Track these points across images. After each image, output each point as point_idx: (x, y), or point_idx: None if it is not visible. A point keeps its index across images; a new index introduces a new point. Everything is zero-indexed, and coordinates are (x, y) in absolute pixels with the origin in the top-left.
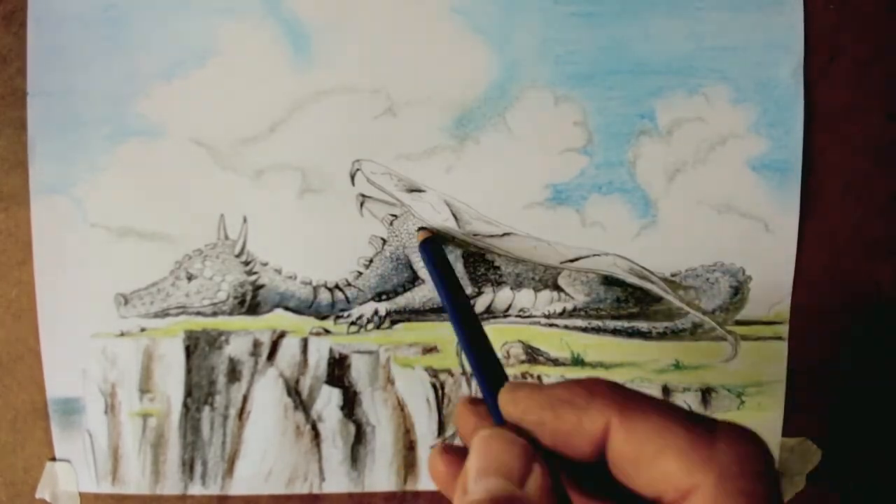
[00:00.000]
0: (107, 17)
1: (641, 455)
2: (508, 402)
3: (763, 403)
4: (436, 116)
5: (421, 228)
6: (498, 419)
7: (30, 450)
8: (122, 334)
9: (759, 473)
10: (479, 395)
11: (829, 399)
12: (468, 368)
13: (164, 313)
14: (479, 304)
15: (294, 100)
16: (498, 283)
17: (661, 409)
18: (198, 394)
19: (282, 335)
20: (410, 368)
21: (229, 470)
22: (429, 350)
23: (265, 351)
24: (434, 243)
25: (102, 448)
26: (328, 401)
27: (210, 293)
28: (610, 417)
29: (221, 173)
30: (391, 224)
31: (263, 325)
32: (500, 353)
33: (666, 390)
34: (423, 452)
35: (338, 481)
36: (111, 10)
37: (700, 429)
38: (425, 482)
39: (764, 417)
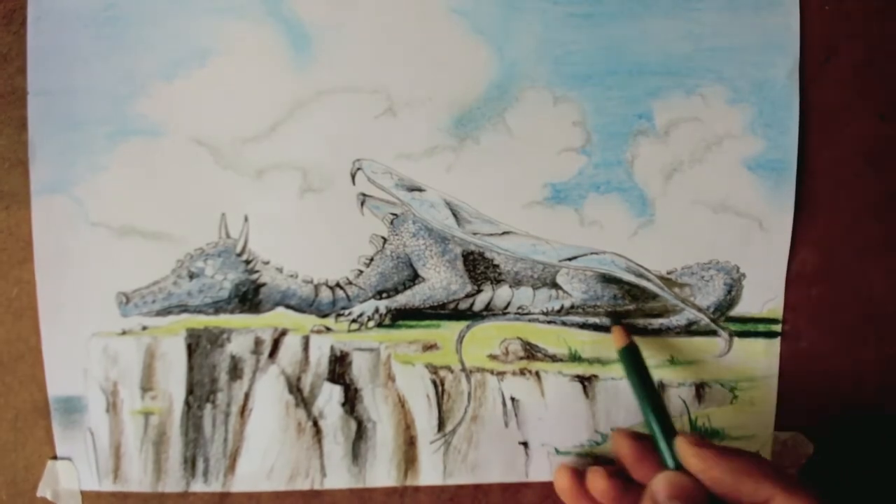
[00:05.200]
0: (107, 17)
1: None
2: (694, 457)
3: (755, 398)
4: (436, 116)
5: (616, 330)
6: (672, 461)
7: (31, 448)
8: (124, 333)
9: None
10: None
11: (821, 393)
12: (467, 364)
13: (165, 312)
14: (479, 302)
15: (294, 99)
16: (497, 281)
17: (809, 493)
18: (199, 391)
19: (283, 333)
20: (411, 365)
21: (231, 467)
22: (429, 347)
23: (267, 349)
24: (632, 350)
25: (104, 446)
26: (329, 398)
27: (212, 292)
28: (775, 494)
29: (222, 172)
30: (392, 223)
31: (265, 323)
32: (498, 350)
33: (661, 385)
34: (424, 448)
35: (339, 477)
36: (111, 10)
37: None
38: (425, 477)
39: (756, 411)
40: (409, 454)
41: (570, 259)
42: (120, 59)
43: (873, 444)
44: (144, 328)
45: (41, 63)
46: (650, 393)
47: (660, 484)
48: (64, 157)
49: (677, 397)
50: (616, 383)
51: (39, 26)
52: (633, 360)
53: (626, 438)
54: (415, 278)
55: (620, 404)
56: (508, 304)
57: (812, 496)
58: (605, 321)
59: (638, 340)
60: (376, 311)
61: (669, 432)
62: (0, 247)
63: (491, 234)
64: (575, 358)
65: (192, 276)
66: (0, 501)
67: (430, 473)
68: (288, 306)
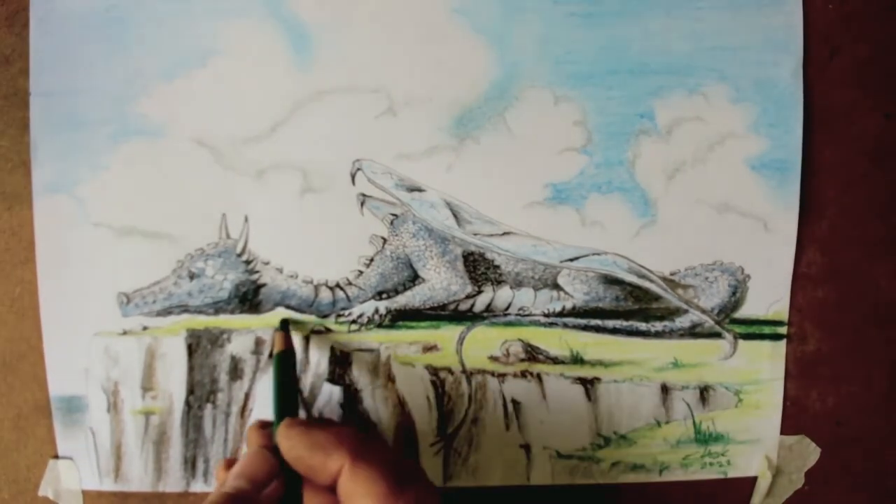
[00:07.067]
0: (109, 18)
1: (354, 495)
2: (282, 437)
3: (761, 401)
4: (436, 116)
5: (277, 334)
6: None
7: (33, 448)
8: (125, 333)
9: None
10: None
11: (828, 396)
12: (467, 366)
13: (166, 312)
14: (479, 303)
15: (295, 100)
16: (498, 282)
17: (379, 462)
18: (200, 391)
19: None
20: (411, 366)
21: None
22: (429, 348)
23: (267, 349)
24: (288, 356)
25: (105, 446)
26: (329, 398)
27: (212, 292)
28: (344, 463)
29: (223, 173)
30: (392, 223)
31: (265, 323)
32: (499, 351)
33: (664, 388)
34: (424, 450)
35: None
36: (113, 11)
37: (397, 483)
38: None
39: (762, 415)
40: (408, 456)
41: (571, 260)
42: (121, 60)
43: (880, 447)
44: (145, 328)
45: (44, 64)
46: (288, 397)
47: (241, 460)
48: (66, 158)
49: (681, 400)
50: (619, 386)
51: (42, 28)
52: (284, 365)
53: (256, 430)
54: (415, 279)
55: (623, 407)
56: (509, 305)
57: (377, 465)
58: (608, 323)
59: (641, 343)
60: (376, 311)
61: (286, 412)
62: (3, 247)
63: (491, 235)
64: (577, 360)
65: (192, 276)
66: (2, 500)
67: (429, 476)
68: (288, 307)
